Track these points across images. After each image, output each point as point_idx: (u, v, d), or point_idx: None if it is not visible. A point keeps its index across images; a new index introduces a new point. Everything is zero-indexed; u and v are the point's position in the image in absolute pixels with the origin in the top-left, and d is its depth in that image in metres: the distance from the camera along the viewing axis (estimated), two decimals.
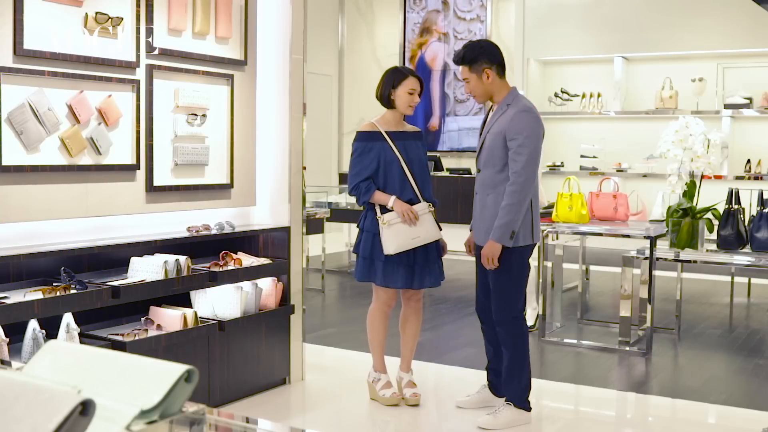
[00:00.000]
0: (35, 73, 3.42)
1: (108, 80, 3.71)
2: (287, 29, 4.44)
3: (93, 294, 3.44)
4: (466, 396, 4.14)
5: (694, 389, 4.52)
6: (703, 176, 5.48)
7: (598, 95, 9.14)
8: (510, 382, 3.83)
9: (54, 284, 3.43)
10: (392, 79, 4.02)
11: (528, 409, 3.85)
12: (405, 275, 3.99)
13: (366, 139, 4.02)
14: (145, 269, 3.77)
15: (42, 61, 3.45)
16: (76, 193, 3.62)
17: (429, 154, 6.28)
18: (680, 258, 5.36)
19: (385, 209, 3.95)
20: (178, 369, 1.18)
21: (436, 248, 4.10)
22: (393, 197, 3.94)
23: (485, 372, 4.14)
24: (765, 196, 5.19)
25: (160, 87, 3.96)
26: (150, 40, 3.87)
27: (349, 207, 7.67)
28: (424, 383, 4.33)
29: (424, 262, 4.03)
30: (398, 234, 3.92)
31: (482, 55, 3.68)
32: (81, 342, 3.40)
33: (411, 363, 4.24)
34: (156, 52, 3.90)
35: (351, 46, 11.34)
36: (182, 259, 3.84)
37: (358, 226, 4.15)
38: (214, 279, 3.95)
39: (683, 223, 5.27)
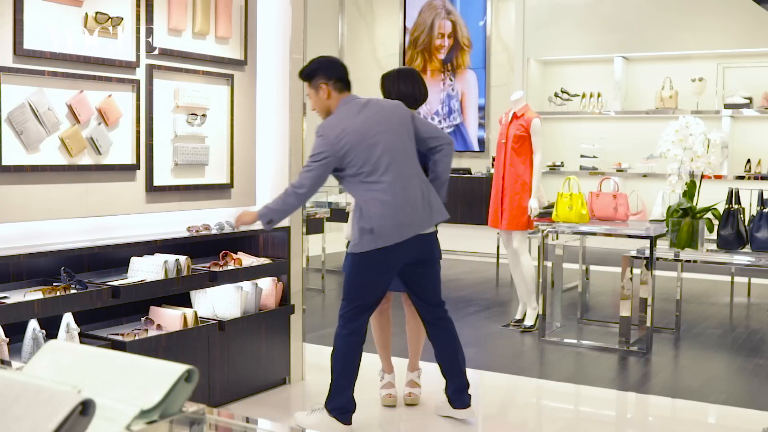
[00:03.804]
0: (35, 73, 3.42)
1: (108, 80, 3.71)
2: (287, 29, 4.44)
3: (93, 294, 3.44)
4: (441, 401, 4.04)
5: (694, 389, 4.52)
6: (703, 176, 5.48)
7: (598, 95, 9.14)
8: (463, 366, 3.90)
9: (54, 284, 3.43)
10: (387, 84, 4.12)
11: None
12: None
13: None
14: (145, 269, 3.77)
15: (42, 61, 3.45)
16: (76, 193, 3.62)
17: None
18: (680, 258, 5.36)
19: None
20: (178, 369, 1.18)
21: None
22: None
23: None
24: (765, 196, 5.20)
25: (160, 87, 3.96)
26: (150, 40, 3.87)
27: (346, 206, 7.66)
28: (424, 383, 4.33)
29: None
30: None
31: (318, 71, 3.64)
32: (81, 342, 3.40)
33: (417, 363, 4.25)
34: (156, 52, 3.90)
35: (351, 46, 11.34)
36: (182, 259, 3.84)
37: None
38: (214, 279, 3.95)
39: (683, 223, 5.27)
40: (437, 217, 3.68)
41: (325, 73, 3.62)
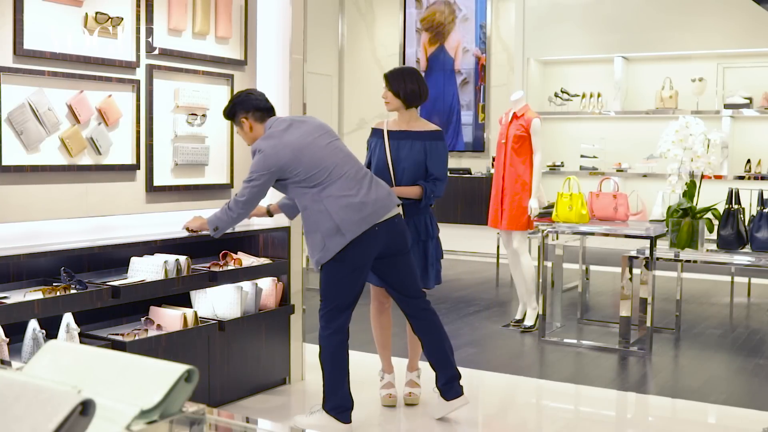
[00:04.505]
0: (35, 73, 3.42)
1: (108, 80, 3.71)
2: (287, 29, 4.44)
3: (93, 294, 3.44)
4: (435, 403, 3.99)
5: (694, 389, 4.52)
6: (703, 176, 5.48)
7: (598, 95, 9.14)
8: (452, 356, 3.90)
9: (54, 284, 3.43)
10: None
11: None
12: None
13: (371, 135, 4.20)
14: (145, 269, 3.77)
15: (42, 61, 3.45)
16: (76, 193, 3.62)
17: None
18: (680, 258, 5.36)
19: None
20: (178, 369, 1.18)
21: (424, 254, 4.07)
22: None
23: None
24: (765, 196, 5.19)
25: (160, 87, 3.96)
26: (150, 40, 3.87)
27: None
28: (424, 383, 4.33)
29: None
30: None
31: (236, 107, 3.69)
32: (81, 342, 3.40)
33: (417, 363, 4.25)
34: (156, 52, 3.90)
35: (351, 46, 11.34)
36: (182, 259, 3.84)
37: None
38: (214, 279, 3.95)
39: (683, 223, 5.27)
40: (394, 198, 3.71)
41: (242, 107, 3.68)
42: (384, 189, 3.69)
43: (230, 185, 4.33)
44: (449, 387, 3.86)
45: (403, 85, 4.05)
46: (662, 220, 5.62)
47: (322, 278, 3.67)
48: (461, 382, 3.88)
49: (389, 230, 3.64)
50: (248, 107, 3.68)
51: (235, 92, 3.81)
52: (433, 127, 4.14)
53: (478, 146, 10.54)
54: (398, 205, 3.73)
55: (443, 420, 3.92)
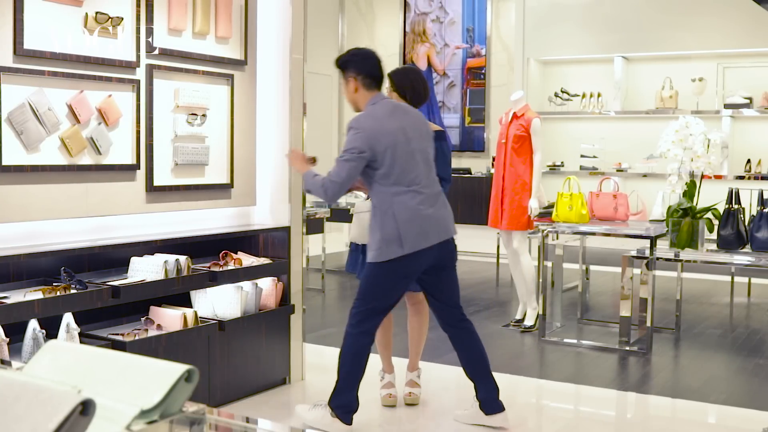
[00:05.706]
0: (35, 73, 3.42)
1: (108, 80, 3.71)
2: (287, 29, 4.44)
3: (93, 294, 3.44)
4: (464, 410, 3.97)
5: (694, 389, 4.52)
6: (703, 176, 5.48)
7: (598, 95, 9.14)
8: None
9: (54, 284, 3.43)
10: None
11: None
12: None
13: None
14: (145, 269, 3.77)
15: (42, 61, 3.45)
16: (76, 192, 3.62)
17: None
18: (680, 258, 5.36)
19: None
20: (178, 369, 1.18)
21: None
22: None
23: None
24: (765, 196, 5.19)
25: (160, 87, 3.96)
26: (150, 40, 3.87)
27: (348, 207, 7.67)
28: (424, 383, 4.33)
29: None
30: (361, 224, 4.04)
31: (350, 63, 3.64)
32: (81, 342, 3.40)
33: (417, 363, 4.24)
34: (156, 52, 3.90)
35: (351, 46, 11.29)
36: (182, 258, 3.84)
37: None
38: (214, 279, 3.95)
39: (683, 223, 5.27)
40: (454, 227, 3.72)
41: (356, 66, 3.62)
42: (449, 212, 3.69)
43: (230, 185, 4.33)
44: (491, 400, 3.80)
45: (409, 84, 4.03)
46: (662, 220, 5.62)
47: (367, 277, 3.63)
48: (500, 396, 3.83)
49: (442, 247, 3.64)
50: (362, 69, 3.61)
51: (348, 49, 3.74)
52: (435, 127, 4.12)
53: (478, 146, 10.55)
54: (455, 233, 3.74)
55: (443, 420, 3.92)
